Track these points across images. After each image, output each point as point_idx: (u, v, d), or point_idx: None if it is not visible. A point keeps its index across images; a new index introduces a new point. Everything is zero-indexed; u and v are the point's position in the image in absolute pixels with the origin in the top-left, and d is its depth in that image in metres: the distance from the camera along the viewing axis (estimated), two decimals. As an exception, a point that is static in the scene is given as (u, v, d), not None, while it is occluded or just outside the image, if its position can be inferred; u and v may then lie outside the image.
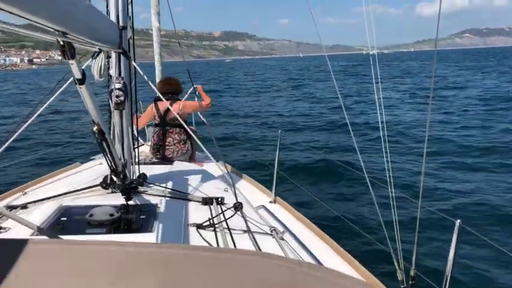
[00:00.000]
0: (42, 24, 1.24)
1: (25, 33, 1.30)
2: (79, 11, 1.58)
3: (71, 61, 1.77)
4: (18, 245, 1.16)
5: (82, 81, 1.97)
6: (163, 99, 3.99)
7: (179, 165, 4.29)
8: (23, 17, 1.09)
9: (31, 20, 1.15)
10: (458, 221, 2.02)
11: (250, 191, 3.80)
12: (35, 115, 3.22)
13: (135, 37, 3.24)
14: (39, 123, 13.61)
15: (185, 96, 5.49)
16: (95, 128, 2.26)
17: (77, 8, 1.55)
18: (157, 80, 6.36)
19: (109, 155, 2.49)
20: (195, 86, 4.73)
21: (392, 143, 10.09)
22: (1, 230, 2.37)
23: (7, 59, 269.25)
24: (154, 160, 4.83)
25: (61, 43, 1.62)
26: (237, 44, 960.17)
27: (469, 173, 8.27)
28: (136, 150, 3.38)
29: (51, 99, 3.28)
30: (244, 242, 2.36)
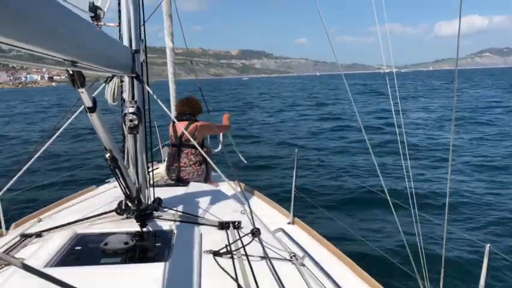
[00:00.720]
0: (50, 55, 1.19)
1: (32, 65, 1.26)
2: (88, 39, 1.53)
3: (81, 89, 1.73)
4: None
5: (92, 110, 1.92)
6: (176, 122, 3.95)
7: (194, 187, 4.23)
8: (28, 50, 1.04)
9: (37, 52, 1.10)
10: (488, 245, 1.92)
11: (267, 212, 3.72)
12: (48, 143, 3.21)
13: (152, 55, 3.23)
14: (57, 143, 13.73)
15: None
16: (107, 155, 2.21)
17: (87, 37, 1.50)
18: (172, 99, 6.36)
19: (122, 182, 2.44)
20: (224, 112, 4.77)
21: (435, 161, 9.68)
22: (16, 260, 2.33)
23: (28, 76, 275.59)
24: (169, 182, 4.78)
25: (70, 72, 1.58)
26: (254, 63, 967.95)
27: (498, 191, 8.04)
28: (151, 173, 3.34)
29: (64, 126, 3.26)
30: (263, 270, 2.27)
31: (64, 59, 1.32)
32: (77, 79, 1.64)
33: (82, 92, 1.75)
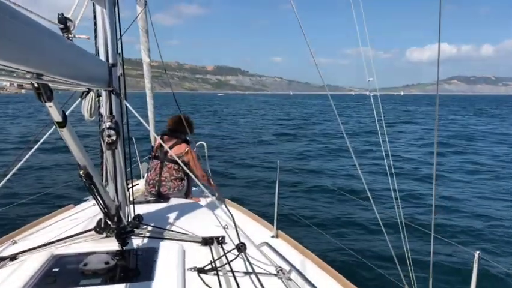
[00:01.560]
0: (9, 67, 1.10)
1: None
2: (56, 51, 1.45)
3: (48, 104, 1.62)
4: None
5: (63, 124, 1.82)
6: (161, 142, 3.88)
7: (175, 203, 4.15)
8: None
9: None
10: (477, 252, 1.90)
11: (250, 226, 3.66)
12: (20, 163, 3.09)
13: (127, 67, 3.16)
14: (32, 159, 13.37)
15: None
16: (81, 172, 2.13)
17: (54, 48, 1.42)
18: (150, 114, 6.27)
19: (99, 199, 2.36)
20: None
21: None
22: None
23: None
24: (150, 198, 4.68)
25: (35, 85, 1.50)
26: (229, 79, 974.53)
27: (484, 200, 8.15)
28: (131, 189, 3.25)
29: (37, 146, 3.15)
30: (249, 286, 2.21)
31: (27, 71, 1.25)
32: (44, 93, 1.54)
33: (50, 107, 1.66)
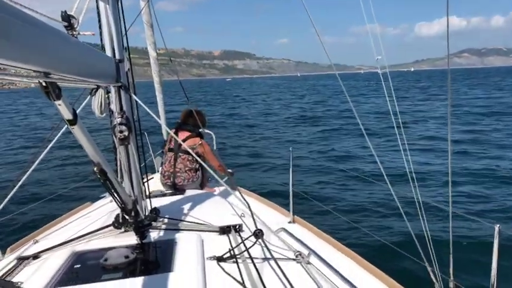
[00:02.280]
0: (16, 67, 1.11)
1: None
2: (62, 49, 1.44)
3: (57, 102, 1.63)
4: None
5: (73, 122, 1.83)
6: (172, 134, 3.90)
7: (191, 194, 4.17)
8: None
9: (3, 64, 1.02)
10: (498, 225, 1.88)
11: (266, 213, 3.67)
12: (36, 163, 3.12)
13: (133, 56, 3.16)
14: (48, 161, 13.52)
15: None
16: (95, 169, 2.14)
17: (60, 46, 1.42)
18: (160, 109, 6.30)
19: (115, 195, 2.38)
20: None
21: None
22: (15, 285, 2.25)
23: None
24: (165, 192, 4.72)
25: (44, 84, 1.50)
26: (236, 63, 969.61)
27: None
28: (146, 183, 3.27)
29: (50, 145, 3.18)
30: (269, 271, 2.22)
31: (34, 71, 1.25)
32: (52, 91, 1.54)
33: (59, 105, 1.66)
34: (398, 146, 2.71)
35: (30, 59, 1.14)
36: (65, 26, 2.19)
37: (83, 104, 2.97)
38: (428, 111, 23.72)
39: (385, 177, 2.58)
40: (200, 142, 4.77)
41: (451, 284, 2.13)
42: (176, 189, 4.67)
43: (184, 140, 4.66)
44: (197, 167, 4.75)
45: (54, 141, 3.19)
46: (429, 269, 2.24)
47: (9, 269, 2.53)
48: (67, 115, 1.76)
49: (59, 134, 3.15)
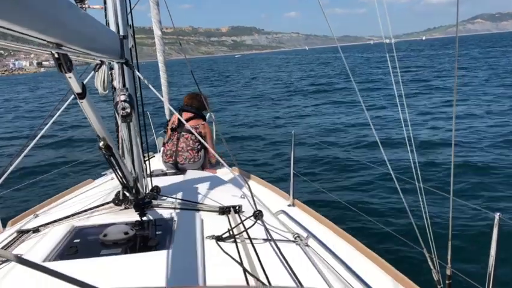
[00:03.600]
0: (33, 37, 1.13)
1: (14, 46, 1.19)
2: (73, 21, 1.46)
3: (68, 74, 1.65)
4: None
5: (82, 95, 1.84)
6: (175, 112, 3.91)
7: (192, 174, 4.19)
8: (9, 29, 0.99)
9: (19, 32, 1.04)
10: (498, 214, 1.87)
11: (266, 195, 3.68)
12: (40, 135, 3.13)
13: (141, 36, 3.15)
14: (50, 136, 13.59)
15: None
16: (101, 144, 2.14)
17: (72, 18, 1.43)
18: (163, 88, 6.29)
19: (118, 171, 2.38)
20: None
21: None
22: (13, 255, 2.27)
23: (16, 62, 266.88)
24: (167, 171, 4.74)
25: (56, 56, 1.51)
26: (245, 39, 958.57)
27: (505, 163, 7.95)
28: (147, 162, 3.28)
29: (56, 116, 3.19)
30: (267, 252, 2.23)
31: (48, 41, 1.26)
32: (64, 63, 1.56)
33: (69, 77, 1.68)
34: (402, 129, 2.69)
35: (45, 29, 1.16)
36: None
37: (89, 76, 2.96)
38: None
39: (387, 163, 2.57)
40: (203, 123, 4.86)
41: (449, 272, 2.14)
42: (178, 169, 4.71)
43: (187, 120, 4.71)
44: (199, 147, 4.78)
45: (58, 113, 3.20)
46: (427, 255, 2.25)
47: (9, 241, 2.55)
48: (76, 88, 1.79)
49: (64, 106, 3.15)
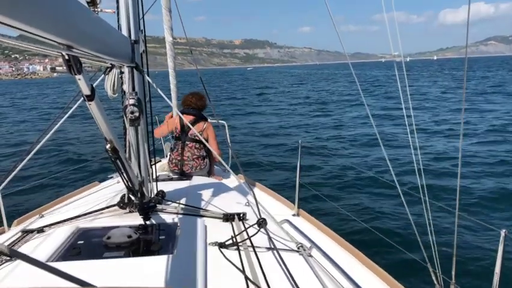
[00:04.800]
0: (44, 38, 1.14)
1: (26, 47, 1.21)
2: (85, 23, 1.48)
3: (78, 76, 1.67)
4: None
5: (91, 97, 1.86)
6: (180, 115, 3.90)
7: (197, 181, 4.19)
8: (22, 30, 1.00)
9: (31, 33, 1.06)
10: (504, 230, 1.86)
11: (272, 204, 3.68)
12: (48, 135, 3.16)
13: (156, 45, 3.19)
14: (57, 138, 13.67)
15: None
16: (108, 146, 2.16)
17: (83, 20, 1.45)
18: (172, 94, 6.32)
19: (124, 174, 2.39)
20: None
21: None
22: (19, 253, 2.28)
23: (30, 67, 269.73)
24: (172, 176, 4.75)
25: (66, 57, 1.53)
26: (257, 52, 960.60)
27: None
28: (154, 166, 3.29)
29: (65, 117, 3.21)
30: (270, 261, 2.22)
31: (59, 43, 1.27)
32: (74, 65, 1.58)
33: (79, 79, 1.70)
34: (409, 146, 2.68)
35: (55, 30, 1.17)
36: (88, 2, 2.21)
37: (98, 80, 2.98)
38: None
39: (393, 176, 2.57)
40: (205, 126, 4.77)
41: (452, 287, 2.12)
42: (184, 175, 4.70)
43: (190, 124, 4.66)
44: (204, 154, 4.76)
45: (68, 114, 3.22)
46: (431, 270, 2.23)
47: (14, 241, 2.57)
48: (85, 90, 1.81)
49: (72, 109, 3.18)
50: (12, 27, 0.94)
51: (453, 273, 2.12)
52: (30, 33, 1.04)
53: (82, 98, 1.92)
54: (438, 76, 54.40)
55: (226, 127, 5.46)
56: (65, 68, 1.61)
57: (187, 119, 4.71)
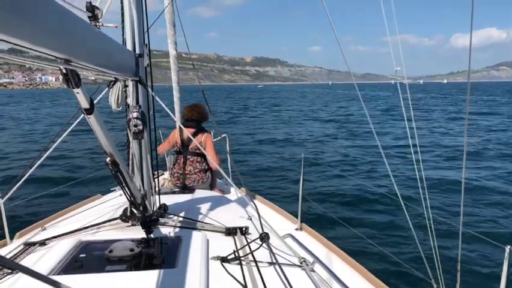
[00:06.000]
0: (40, 52, 1.14)
1: (21, 61, 1.21)
2: (84, 38, 1.47)
3: (76, 90, 1.66)
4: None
5: (90, 111, 1.85)
6: (183, 128, 3.91)
7: (200, 194, 4.18)
8: (17, 45, 1.00)
9: (28, 48, 1.05)
10: (508, 246, 1.84)
11: (274, 218, 3.65)
12: (50, 150, 3.17)
13: (163, 60, 3.20)
14: (61, 150, 13.68)
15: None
16: (108, 159, 2.15)
17: (83, 35, 1.44)
18: (176, 107, 6.34)
19: (125, 187, 2.39)
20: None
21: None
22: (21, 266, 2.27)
23: (43, 77, 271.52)
24: (175, 189, 4.74)
25: (64, 71, 1.53)
26: (268, 70, 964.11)
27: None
28: (156, 180, 3.28)
29: (66, 132, 3.22)
30: (272, 276, 2.20)
31: (56, 57, 1.27)
32: (72, 78, 1.57)
33: (77, 93, 1.69)
34: (412, 163, 2.68)
35: (52, 44, 1.16)
36: (89, 17, 2.22)
37: (101, 95, 3.00)
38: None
39: (397, 192, 2.55)
40: (204, 136, 4.73)
41: None
42: (186, 188, 4.69)
43: (189, 140, 4.64)
44: (206, 167, 4.75)
45: (69, 130, 3.23)
46: (435, 286, 2.21)
47: (16, 253, 2.56)
48: (84, 104, 1.80)
49: (74, 124, 3.19)
50: (5, 41, 0.92)
51: None
52: (26, 48, 1.03)
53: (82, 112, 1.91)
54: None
55: (227, 140, 5.46)
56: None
57: (188, 133, 4.72)
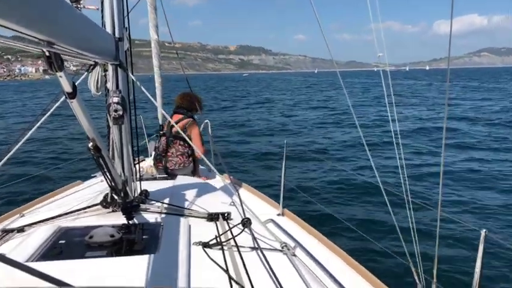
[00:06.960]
0: (23, 34, 1.12)
1: (3, 43, 1.18)
2: (67, 20, 1.45)
3: (59, 73, 1.64)
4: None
5: (73, 95, 1.83)
6: (164, 113, 3.89)
7: (182, 180, 4.17)
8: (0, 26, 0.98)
9: (10, 28, 1.03)
10: (484, 230, 1.88)
11: (256, 204, 3.67)
12: (28, 135, 3.11)
13: (147, 49, 3.15)
14: (40, 137, 13.48)
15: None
16: (90, 145, 2.13)
17: (64, 16, 1.42)
18: (157, 92, 6.28)
19: (107, 173, 2.36)
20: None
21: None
22: None
23: (22, 68, 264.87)
24: (156, 175, 4.72)
25: (47, 54, 1.50)
26: (252, 58, 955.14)
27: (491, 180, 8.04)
28: (137, 165, 3.26)
29: (46, 116, 3.17)
30: (254, 260, 2.22)
31: (39, 39, 1.25)
32: (55, 62, 1.55)
33: (60, 77, 1.67)
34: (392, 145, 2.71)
35: (35, 26, 1.15)
36: None
37: (81, 78, 2.95)
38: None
39: (377, 178, 2.58)
40: (189, 122, 4.76)
41: (434, 286, 2.14)
42: (168, 173, 4.68)
43: (176, 123, 4.67)
44: (189, 152, 4.76)
45: (49, 113, 3.18)
46: (413, 269, 2.25)
47: None
48: (67, 88, 1.78)
49: (54, 107, 3.13)
50: None
51: (434, 272, 2.13)
52: (8, 28, 1.01)
53: (64, 96, 1.89)
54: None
55: (209, 126, 5.44)
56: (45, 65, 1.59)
57: (175, 118, 4.75)
